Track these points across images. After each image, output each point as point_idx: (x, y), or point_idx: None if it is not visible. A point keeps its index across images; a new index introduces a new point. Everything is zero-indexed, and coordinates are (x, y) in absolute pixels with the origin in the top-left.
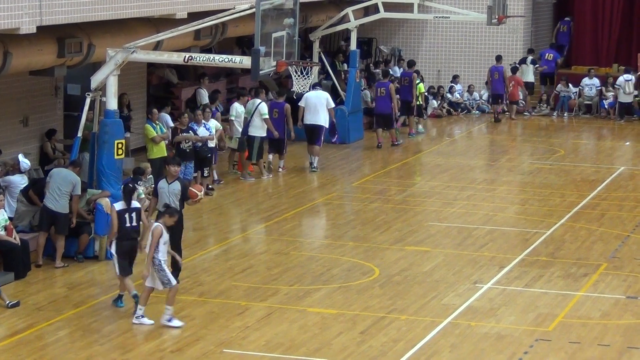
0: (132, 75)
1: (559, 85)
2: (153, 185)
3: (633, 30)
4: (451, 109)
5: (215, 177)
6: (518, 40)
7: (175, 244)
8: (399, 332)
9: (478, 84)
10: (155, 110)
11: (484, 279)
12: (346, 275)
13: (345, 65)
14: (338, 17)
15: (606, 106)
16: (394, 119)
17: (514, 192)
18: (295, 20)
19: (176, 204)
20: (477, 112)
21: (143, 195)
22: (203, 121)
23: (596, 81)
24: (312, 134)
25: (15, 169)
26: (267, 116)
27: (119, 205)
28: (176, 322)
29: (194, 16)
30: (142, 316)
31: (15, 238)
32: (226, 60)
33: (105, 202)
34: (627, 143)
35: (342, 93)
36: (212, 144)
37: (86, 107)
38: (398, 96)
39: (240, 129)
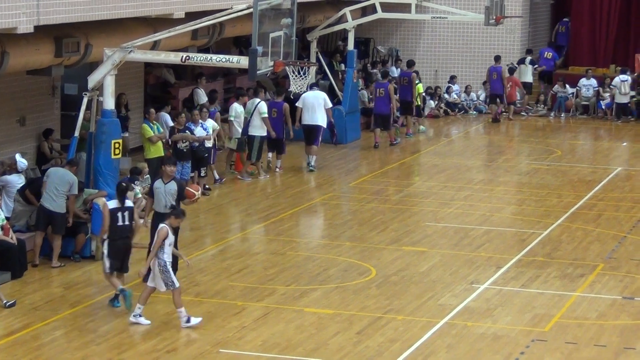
0: (129, 75)
1: (556, 86)
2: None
3: (630, 30)
4: (448, 110)
5: (216, 176)
6: (515, 41)
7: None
8: (395, 333)
9: (475, 85)
10: (152, 110)
11: (480, 279)
12: (343, 275)
13: (343, 66)
14: (336, 17)
15: (603, 107)
16: (393, 119)
17: (510, 193)
18: (293, 20)
19: (172, 204)
20: (475, 112)
21: (140, 195)
22: (200, 121)
23: (593, 82)
24: (310, 134)
25: (13, 168)
26: (266, 115)
27: (113, 204)
28: (195, 320)
29: (191, 16)
30: (140, 315)
31: (12, 238)
32: (223, 60)
33: (102, 202)
34: (624, 144)
35: (339, 93)
36: (209, 143)
37: (83, 107)
38: (397, 96)
39: (240, 130)
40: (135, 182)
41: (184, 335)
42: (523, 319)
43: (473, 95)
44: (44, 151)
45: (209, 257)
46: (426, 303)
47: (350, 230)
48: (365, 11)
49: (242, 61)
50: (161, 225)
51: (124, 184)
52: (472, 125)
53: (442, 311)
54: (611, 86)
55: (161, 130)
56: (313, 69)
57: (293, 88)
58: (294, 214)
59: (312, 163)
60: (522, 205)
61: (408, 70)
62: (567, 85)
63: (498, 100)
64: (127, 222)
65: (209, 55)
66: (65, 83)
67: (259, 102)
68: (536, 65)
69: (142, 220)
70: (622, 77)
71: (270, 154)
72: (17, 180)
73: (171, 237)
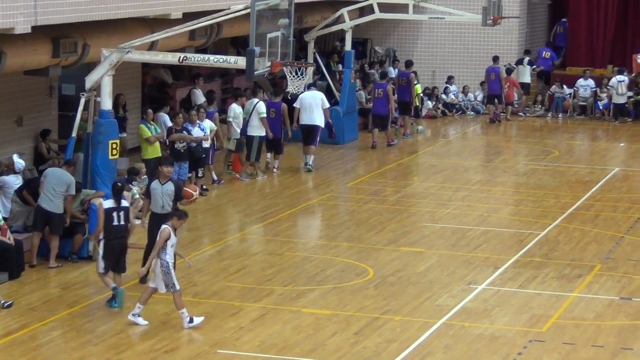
0: (126, 75)
1: (554, 87)
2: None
3: (628, 31)
4: (446, 110)
5: (215, 177)
6: (513, 41)
7: None
8: (393, 333)
9: (473, 85)
10: (150, 111)
11: (478, 279)
12: (340, 275)
13: (340, 66)
14: (333, 17)
15: (601, 107)
16: (391, 120)
17: (508, 193)
18: (290, 20)
19: (170, 204)
20: (472, 113)
21: (137, 196)
22: (197, 121)
23: (591, 82)
24: (308, 134)
25: (10, 169)
26: (264, 115)
27: (108, 203)
28: (197, 320)
29: (189, 16)
30: (139, 315)
31: (9, 238)
32: (221, 60)
33: (99, 202)
34: (622, 144)
35: (336, 94)
36: (206, 144)
37: (81, 107)
38: (395, 97)
39: (239, 130)
40: (133, 182)
41: (181, 336)
42: (520, 319)
43: (470, 95)
44: (42, 151)
45: (206, 258)
46: (423, 304)
47: (348, 230)
48: (362, 12)
49: (240, 62)
50: (164, 226)
51: (119, 184)
52: (469, 126)
53: (440, 312)
54: (608, 87)
55: (159, 130)
56: (310, 70)
57: (291, 88)
58: (292, 215)
59: (310, 163)
60: (519, 206)
61: (406, 70)
62: (565, 86)
63: (496, 100)
64: (122, 222)
65: (206, 56)
66: (62, 83)
67: (258, 103)
68: (534, 66)
69: (139, 221)
70: (620, 77)
71: (268, 154)
72: (15, 181)
73: (173, 239)
